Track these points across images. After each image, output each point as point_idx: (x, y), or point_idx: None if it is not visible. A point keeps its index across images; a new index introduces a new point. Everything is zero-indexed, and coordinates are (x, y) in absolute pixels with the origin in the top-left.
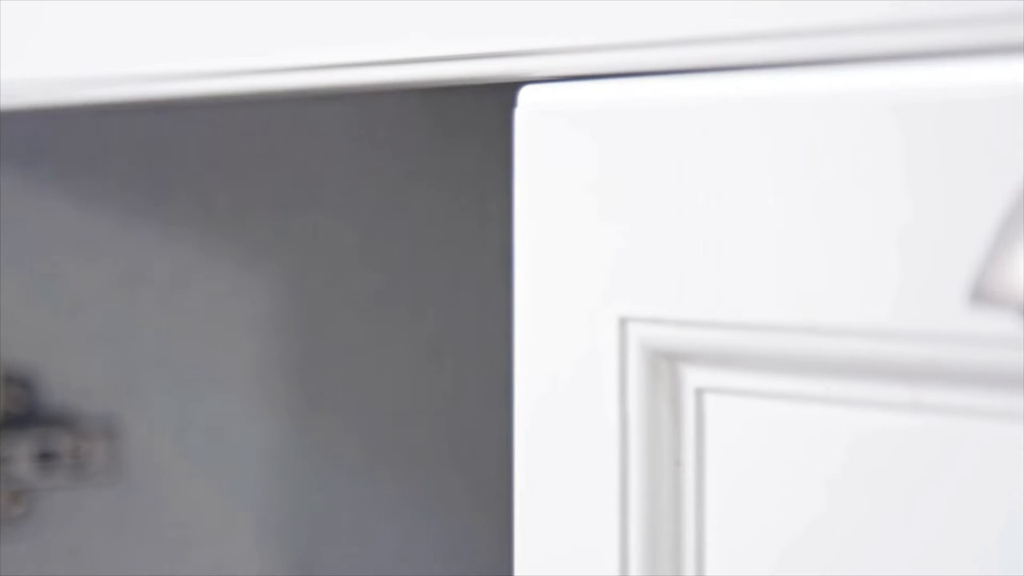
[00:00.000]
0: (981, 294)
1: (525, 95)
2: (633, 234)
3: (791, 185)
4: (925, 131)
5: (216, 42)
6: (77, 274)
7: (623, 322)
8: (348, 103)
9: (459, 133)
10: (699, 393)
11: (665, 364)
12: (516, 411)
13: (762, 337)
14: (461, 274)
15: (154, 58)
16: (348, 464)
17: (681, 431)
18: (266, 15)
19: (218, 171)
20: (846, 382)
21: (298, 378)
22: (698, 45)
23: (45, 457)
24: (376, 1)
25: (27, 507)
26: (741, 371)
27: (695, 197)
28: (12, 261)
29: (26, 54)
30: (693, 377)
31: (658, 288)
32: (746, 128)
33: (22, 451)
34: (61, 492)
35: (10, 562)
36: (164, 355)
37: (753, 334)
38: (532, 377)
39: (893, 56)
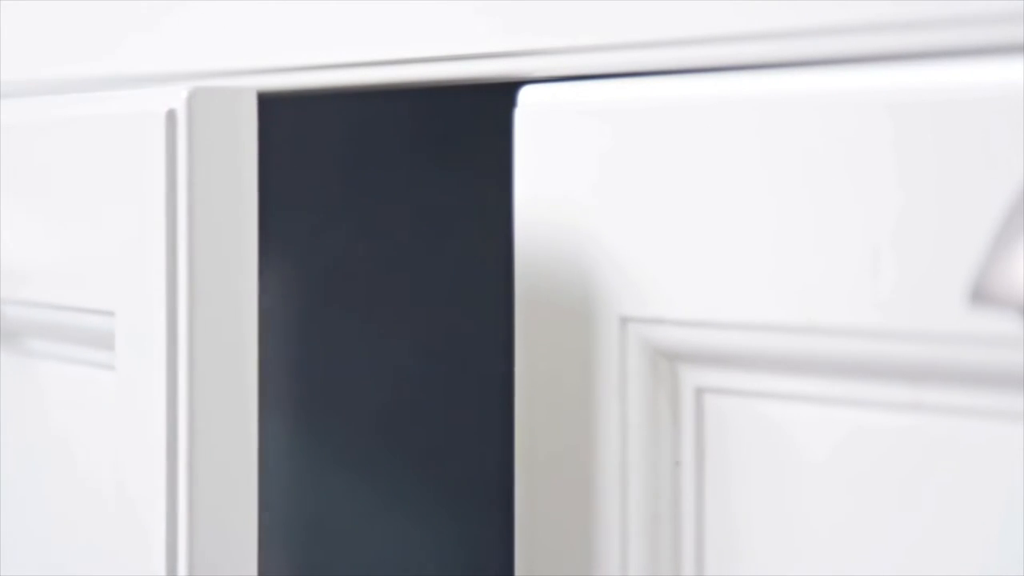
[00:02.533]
0: (981, 294)
1: (525, 95)
2: (633, 234)
3: (791, 185)
4: (925, 131)
5: (216, 42)
6: None
7: (623, 322)
8: (348, 103)
9: (459, 133)
10: (699, 393)
11: (665, 364)
12: (516, 411)
13: (762, 337)
14: (461, 274)
15: (157, 58)
16: (347, 464)
17: (681, 431)
18: (265, 15)
19: None
20: (845, 382)
21: (298, 378)
22: (698, 45)
23: None
24: (376, 1)
25: None
26: (741, 371)
27: (695, 197)
28: None
29: (16, 53)
30: (693, 377)
31: (658, 288)
32: (745, 128)
33: None
34: None
35: None
36: None
37: (753, 334)
38: (532, 377)
39: (894, 56)
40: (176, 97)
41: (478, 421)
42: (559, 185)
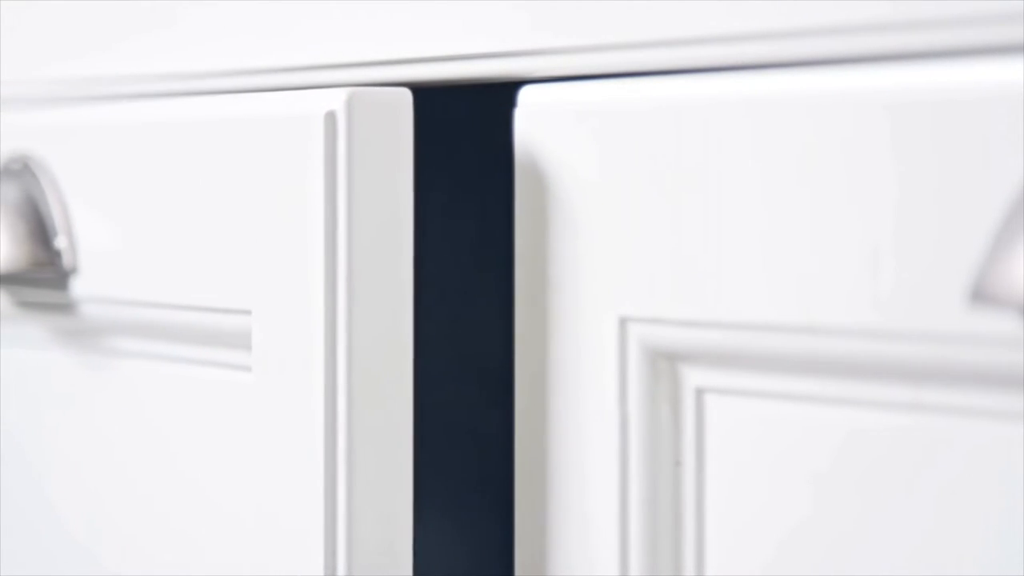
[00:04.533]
0: (981, 294)
1: (525, 95)
2: (632, 234)
3: (790, 185)
4: (924, 131)
5: (216, 42)
6: None
7: (623, 322)
8: None
9: (459, 133)
10: (699, 393)
11: (665, 364)
12: (516, 411)
13: (762, 337)
14: (461, 274)
15: (157, 57)
16: None
17: (681, 431)
18: (266, 16)
19: None
20: (846, 382)
21: None
22: (697, 45)
23: None
24: (377, 1)
25: None
26: (741, 371)
27: (694, 196)
28: None
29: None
30: (693, 377)
31: (658, 288)
32: (745, 128)
33: None
34: None
35: None
36: None
37: (753, 334)
38: (532, 377)
39: (893, 56)
40: (335, 99)
41: (478, 420)
42: (558, 185)
